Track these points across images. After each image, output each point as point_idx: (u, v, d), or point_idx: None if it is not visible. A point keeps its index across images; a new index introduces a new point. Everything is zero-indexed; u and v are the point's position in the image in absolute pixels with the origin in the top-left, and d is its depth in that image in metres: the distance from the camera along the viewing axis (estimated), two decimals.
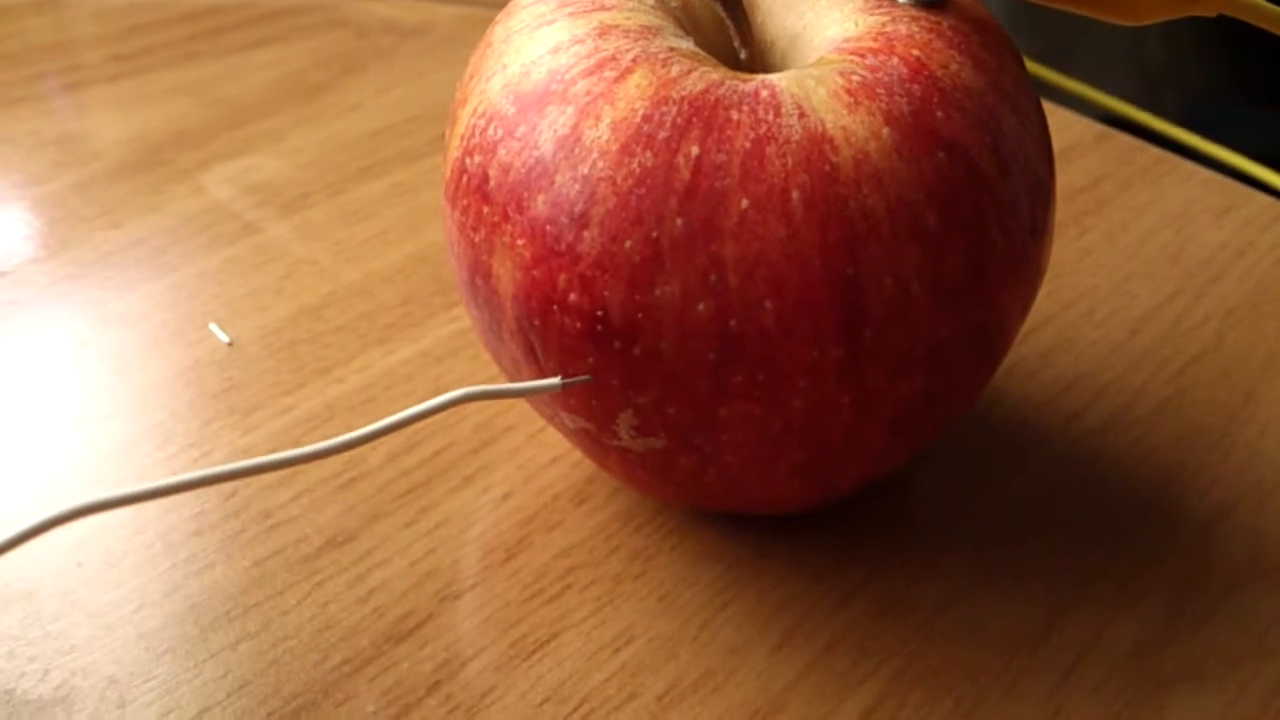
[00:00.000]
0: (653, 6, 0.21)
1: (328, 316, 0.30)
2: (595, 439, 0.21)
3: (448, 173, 0.22)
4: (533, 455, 0.26)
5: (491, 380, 0.28)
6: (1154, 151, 0.37)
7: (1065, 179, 0.36)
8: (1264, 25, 0.23)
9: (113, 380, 0.28)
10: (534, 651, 0.22)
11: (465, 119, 0.21)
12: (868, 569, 0.24)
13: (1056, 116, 0.39)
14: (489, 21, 0.23)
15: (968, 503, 0.26)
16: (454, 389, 0.27)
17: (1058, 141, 0.37)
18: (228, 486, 0.25)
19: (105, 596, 0.23)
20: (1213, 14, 0.23)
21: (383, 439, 0.26)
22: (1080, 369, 0.29)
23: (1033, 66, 0.43)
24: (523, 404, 0.27)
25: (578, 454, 0.26)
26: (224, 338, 0.29)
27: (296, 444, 0.26)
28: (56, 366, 0.28)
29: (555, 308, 0.20)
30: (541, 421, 0.26)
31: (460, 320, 0.29)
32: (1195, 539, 0.25)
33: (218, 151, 0.36)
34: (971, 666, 0.22)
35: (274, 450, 0.26)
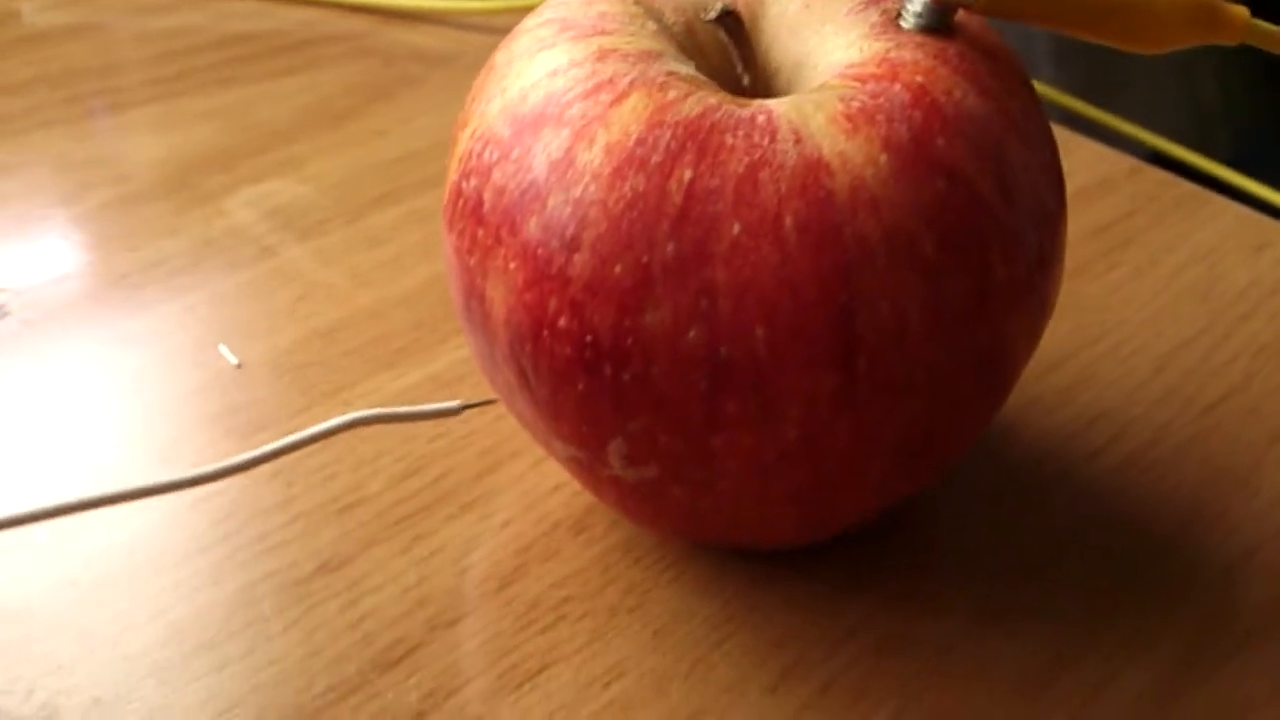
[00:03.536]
0: (655, 31, 0.21)
1: (339, 340, 0.30)
2: (588, 468, 0.21)
3: (446, 196, 0.21)
4: (536, 483, 0.26)
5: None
6: (1187, 186, 0.36)
7: (1096, 213, 0.35)
8: None
9: (123, 399, 0.28)
10: (523, 683, 0.22)
11: (464, 142, 0.21)
12: (869, 606, 0.23)
13: (1088, 150, 0.38)
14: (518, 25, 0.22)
15: (977, 540, 0.25)
16: (443, 402, 0.27)
17: (1088, 176, 0.37)
18: (223, 508, 0.25)
19: (95, 616, 0.23)
20: (1234, 43, 0.22)
21: (383, 464, 0.26)
22: (1102, 406, 0.28)
23: (1072, 102, 0.42)
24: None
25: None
26: (233, 360, 0.29)
27: (295, 468, 0.26)
28: (68, 386, 0.28)
29: (545, 332, 0.19)
30: None
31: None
32: (1215, 582, 0.24)
33: (242, 176, 0.36)
34: (973, 710, 0.21)
35: (273, 474, 0.26)
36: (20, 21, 0.46)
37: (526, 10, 0.44)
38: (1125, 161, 0.38)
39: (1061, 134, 0.39)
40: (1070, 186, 0.36)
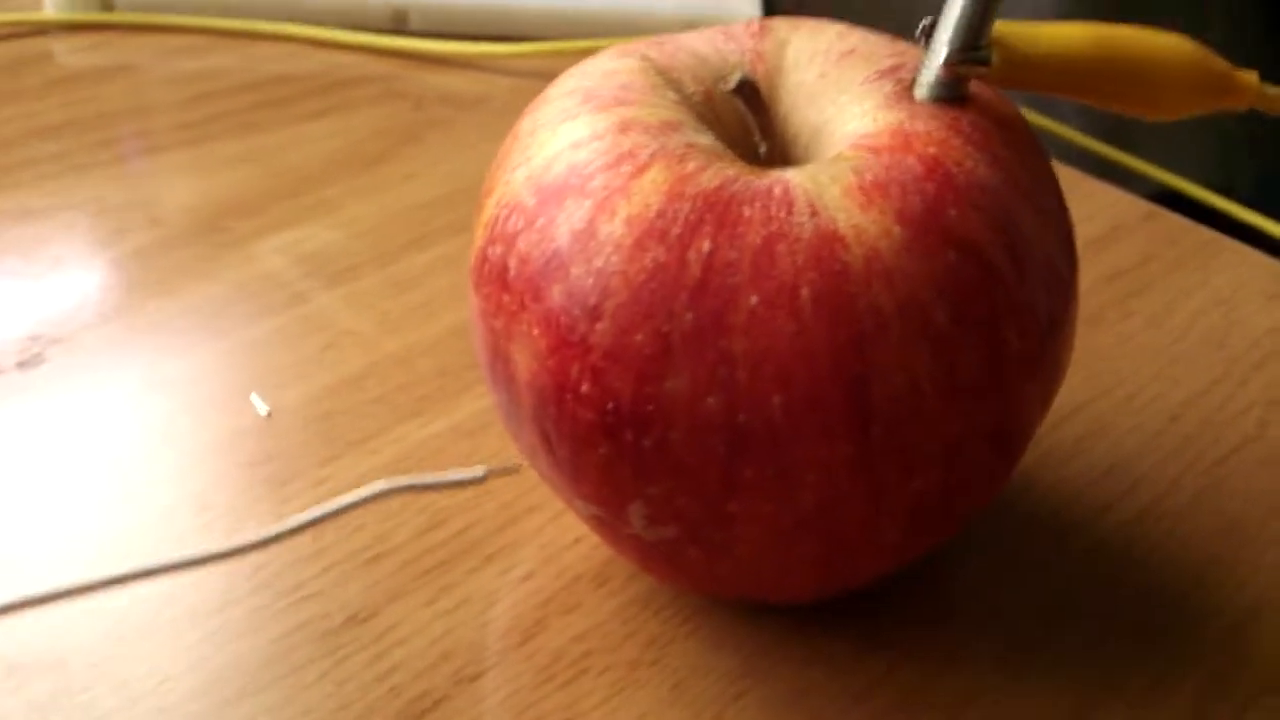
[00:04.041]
0: (675, 101, 0.22)
1: (366, 387, 0.30)
2: (609, 526, 0.22)
3: (473, 259, 0.22)
4: (555, 536, 0.26)
5: (514, 460, 0.28)
6: (1203, 232, 0.37)
7: (1110, 260, 0.35)
8: None
9: (156, 447, 0.28)
10: None
11: (490, 208, 0.22)
12: (888, 661, 0.24)
13: (1102, 195, 0.39)
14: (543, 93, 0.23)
15: (994, 594, 0.25)
16: (482, 463, 0.27)
17: (1103, 222, 0.37)
18: (255, 560, 0.25)
19: (132, 668, 0.23)
20: (1245, 108, 0.23)
21: (408, 516, 0.26)
22: (1116, 457, 0.29)
23: (1090, 143, 0.43)
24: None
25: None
26: (263, 409, 0.29)
27: (324, 519, 0.26)
28: (101, 433, 0.29)
29: (568, 397, 0.20)
30: None
31: None
32: (1228, 635, 0.24)
33: (274, 221, 0.37)
34: None
35: (307, 520, 0.26)
36: (53, 63, 0.47)
37: (553, 54, 0.45)
38: (1140, 206, 0.38)
39: (1077, 178, 0.40)
40: (1085, 232, 0.37)
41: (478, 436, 0.29)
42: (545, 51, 0.45)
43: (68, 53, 0.47)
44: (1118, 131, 0.46)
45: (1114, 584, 0.25)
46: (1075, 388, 0.30)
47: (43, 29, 0.49)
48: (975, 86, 0.22)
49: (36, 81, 0.45)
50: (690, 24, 0.48)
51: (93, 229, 0.37)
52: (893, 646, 0.24)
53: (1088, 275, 0.35)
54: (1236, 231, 0.37)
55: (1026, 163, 0.21)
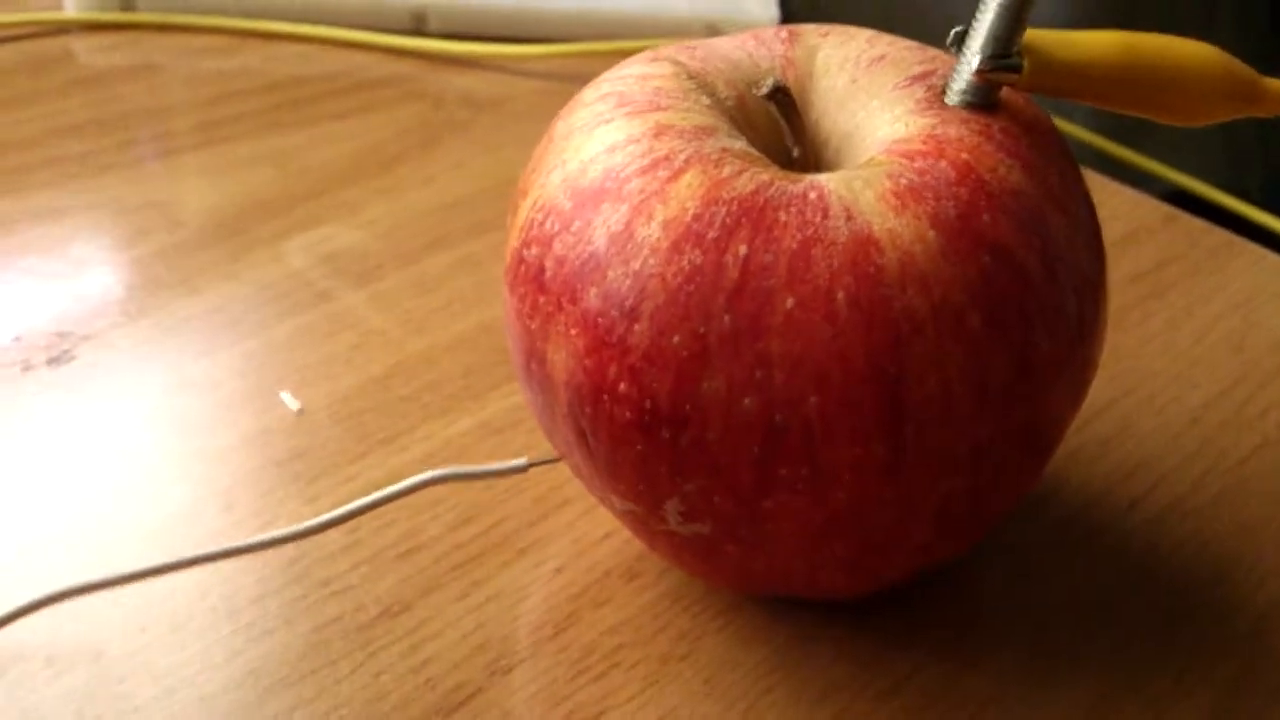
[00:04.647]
0: (708, 106, 0.22)
1: (393, 386, 0.31)
2: (643, 522, 0.22)
3: (508, 260, 0.22)
4: (587, 530, 0.26)
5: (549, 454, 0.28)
6: (1222, 234, 0.37)
7: (1130, 262, 0.36)
8: None
9: (183, 445, 0.29)
10: None
11: (525, 211, 0.22)
12: (917, 658, 0.24)
13: (1123, 198, 0.39)
14: (563, 95, 0.23)
15: (1022, 591, 0.26)
16: (511, 460, 0.27)
17: (1124, 224, 0.38)
18: (290, 553, 0.26)
19: (169, 659, 0.24)
20: (1272, 115, 0.23)
21: (440, 511, 0.27)
22: (1140, 457, 0.29)
23: (1106, 144, 0.43)
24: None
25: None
26: (294, 405, 0.30)
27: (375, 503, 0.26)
28: (130, 429, 0.29)
29: (605, 396, 0.20)
30: None
31: (519, 393, 0.30)
32: (1250, 633, 0.25)
33: (297, 221, 0.37)
34: None
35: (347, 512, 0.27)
36: (75, 63, 0.47)
37: (571, 56, 0.45)
38: (1160, 209, 0.38)
39: (1096, 181, 0.40)
40: (1106, 234, 0.37)
41: (505, 434, 0.29)
42: (563, 53, 0.45)
43: (89, 52, 0.48)
44: (1128, 132, 0.46)
45: (1137, 584, 0.26)
46: (1099, 388, 0.31)
47: (64, 28, 0.49)
48: (1005, 93, 0.22)
49: (58, 81, 0.45)
50: (707, 26, 0.48)
51: (116, 229, 0.37)
52: (919, 645, 0.24)
53: (1109, 277, 0.35)
54: (1247, 232, 0.38)
55: (1056, 167, 0.21)
